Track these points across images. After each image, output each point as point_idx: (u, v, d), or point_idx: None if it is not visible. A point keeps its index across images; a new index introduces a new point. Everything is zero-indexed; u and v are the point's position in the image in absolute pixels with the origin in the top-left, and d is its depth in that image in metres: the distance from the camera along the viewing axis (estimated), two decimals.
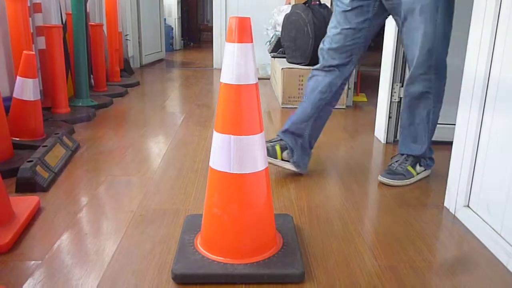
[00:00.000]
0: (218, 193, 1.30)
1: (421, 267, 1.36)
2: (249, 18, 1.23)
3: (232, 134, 1.23)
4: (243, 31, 1.21)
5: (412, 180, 1.98)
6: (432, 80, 1.86)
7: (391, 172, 1.98)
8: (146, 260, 1.35)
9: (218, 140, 1.26)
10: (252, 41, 1.23)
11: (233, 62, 1.21)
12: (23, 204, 1.61)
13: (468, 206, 1.65)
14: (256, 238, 1.31)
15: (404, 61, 2.44)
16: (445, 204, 1.78)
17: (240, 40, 1.21)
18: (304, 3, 3.54)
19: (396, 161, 2.02)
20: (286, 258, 1.31)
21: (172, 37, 7.83)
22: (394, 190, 1.93)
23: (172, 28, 7.80)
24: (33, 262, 1.33)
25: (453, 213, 1.71)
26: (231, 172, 1.25)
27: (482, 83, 1.55)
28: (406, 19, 1.78)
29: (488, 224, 1.51)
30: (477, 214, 1.59)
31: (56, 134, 2.26)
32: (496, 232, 1.46)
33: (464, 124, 1.65)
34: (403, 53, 2.44)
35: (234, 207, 1.28)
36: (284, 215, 1.59)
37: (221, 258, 1.29)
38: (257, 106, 1.27)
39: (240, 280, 1.24)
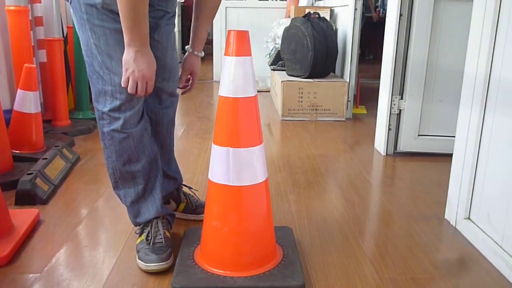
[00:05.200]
0: (218, 205, 1.29)
1: (422, 279, 1.35)
2: (248, 31, 1.23)
3: (230, 147, 1.23)
4: (241, 44, 1.21)
5: None
6: None
7: None
8: (146, 273, 1.34)
9: (217, 152, 1.26)
10: (250, 54, 1.23)
11: (231, 75, 1.22)
12: (23, 216, 1.60)
13: (469, 218, 1.64)
14: (256, 250, 1.31)
15: (404, 73, 2.45)
16: (446, 216, 1.77)
17: (238, 53, 1.21)
18: (304, 16, 3.57)
19: None
20: (287, 270, 1.30)
21: None
22: (395, 202, 1.93)
23: None
24: (32, 275, 1.33)
25: (454, 225, 1.70)
26: (230, 184, 1.25)
27: (482, 87, 1.55)
28: None
29: (489, 236, 1.51)
30: (478, 226, 1.58)
31: (56, 146, 2.26)
32: (497, 244, 1.46)
33: (464, 132, 1.65)
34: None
35: (234, 219, 1.27)
36: (284, 227, 1.58)
37: (221, 271, 1.28)
38: (256, 118, 1.27)
39: None
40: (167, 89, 1.53)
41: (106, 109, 1.32)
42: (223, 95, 1.24)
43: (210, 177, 1.30)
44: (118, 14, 1.23)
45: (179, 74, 1.55)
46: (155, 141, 1.49)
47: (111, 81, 1.30)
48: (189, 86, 1.57)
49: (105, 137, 1.36)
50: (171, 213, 1.53)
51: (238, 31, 1.22)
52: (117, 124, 1.33)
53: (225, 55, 1.23)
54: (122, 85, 1.26)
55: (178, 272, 1.28)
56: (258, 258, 1.31)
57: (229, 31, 1.23)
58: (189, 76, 1.56)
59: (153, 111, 1.52)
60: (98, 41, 1.27)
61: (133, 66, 1.23)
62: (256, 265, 1.29)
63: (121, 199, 1.46)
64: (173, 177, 1.65)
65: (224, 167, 1.25)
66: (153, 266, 1.33)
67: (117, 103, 1.31)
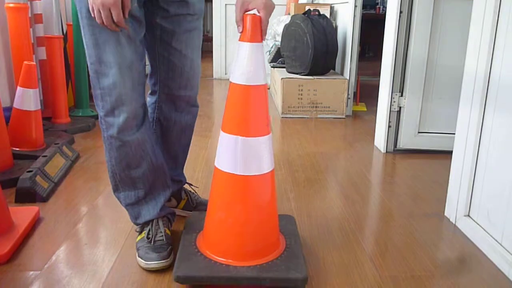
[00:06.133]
0: (223, 194, 1.29)
1: (422, 276, 1.35)
2: (260, 16, 1.20)
3: (240, 135, 1.22)
4: (255, 30, 1.20)
5: None
6: None
7: None
8: (146, 271, 1.34)
9: (225, 140, 1.25)
10: (261, 41, 1.22)
11: (245, 60, 1.20)
12: (23, 214, 1.60)
13: (468, 215, 1.65)
14: (259, 240, 1.30)
15: (404, 70, 2.45)
16: (446, 213, 1.77)
17: (253, 39, 1.19)
18: (304, 14, 3.56)
19: None
20: (290, 261, 1.29)
21: None
22: (395, 199, 1.93)
23: None
24: (32, 272, 1.33)
25: (454, 222, 1.71)
26: (237, 173, 1.24)
27: (482, 86, 1.55)
28: None
29: (488, 233, 1.51)
30: (477, 224, 1.58)
31: (56, 144, 2.26)
32: (497, 241, 1.46)
33: (464, 130, 1.65)
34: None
35: (238, 208, 1.27)
36: (287, 216, 1.57)
37: (223, 259, 1.27)
38: (265, 107, 1.26)
39: (242, 283, 1.22)
40: (184, 98, 1.50)
41: (102, 114, 1.31)
42: (235, 82, 1.23)
43: (216, 164, 1.29)
44: None
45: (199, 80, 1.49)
46: (162, 146, 1.47)
47: (99, 84, 1.28)
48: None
49: (105, 141, 1.35)
50: (172, 211, 1.53)
51: (253, 16, 1.19)
52: (112, 131, 1.31)
53: (240, 40, 1.22)
54: (92, 15, 1.18)
55: (181, 260, 1.27)
56: (262, 247, 1.30)
57: (245, 15, 1.20)
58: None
59: (166, 118, 1.51)
60: (89, 42, 1.25)
61: None
62: (259, 255, 1.28)
63: (121, 202, 1.45)
64: (176, 180, 1.64)
65: (231, 156, 1.23)
66: (154, 264, 1.33)
67: (108, 106, 1.29)
